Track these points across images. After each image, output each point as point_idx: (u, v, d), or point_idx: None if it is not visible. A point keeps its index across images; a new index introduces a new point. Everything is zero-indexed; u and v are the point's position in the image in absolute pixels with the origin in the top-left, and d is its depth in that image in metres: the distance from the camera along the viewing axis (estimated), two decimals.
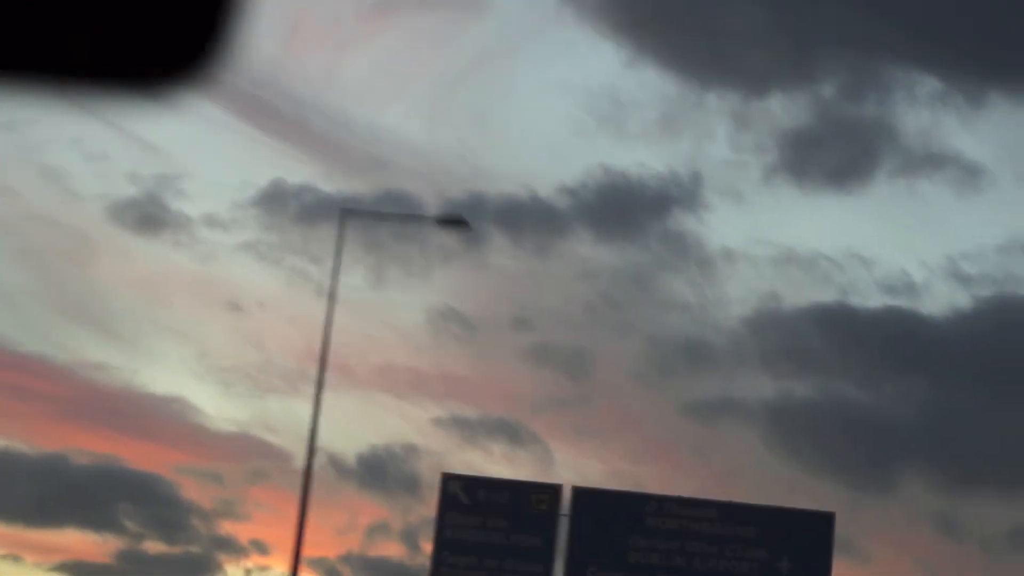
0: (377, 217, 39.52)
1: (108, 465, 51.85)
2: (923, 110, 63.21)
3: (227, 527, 51.55)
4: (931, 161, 56.05)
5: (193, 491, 54.27)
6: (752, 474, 52.57)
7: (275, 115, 58.25)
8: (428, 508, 49.30)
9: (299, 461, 49.17)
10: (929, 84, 62.22)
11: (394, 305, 54.73)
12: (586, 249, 57.15)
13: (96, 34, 2.49)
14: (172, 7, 2.55)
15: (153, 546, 50.48)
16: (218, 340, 58.34)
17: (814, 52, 56.40)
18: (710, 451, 54.94)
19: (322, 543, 54.16)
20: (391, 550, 53.55)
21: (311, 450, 31.27)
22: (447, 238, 48.82)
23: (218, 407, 64.12)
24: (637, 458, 55.95)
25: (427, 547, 47.70)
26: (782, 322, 54.19)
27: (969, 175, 56.00)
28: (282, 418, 56.68)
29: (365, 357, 54.37)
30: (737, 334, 54.10)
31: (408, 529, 50.10)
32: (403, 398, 58.72)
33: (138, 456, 61.44)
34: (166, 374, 59.66)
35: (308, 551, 53.45)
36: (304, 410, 54.64)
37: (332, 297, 32.01)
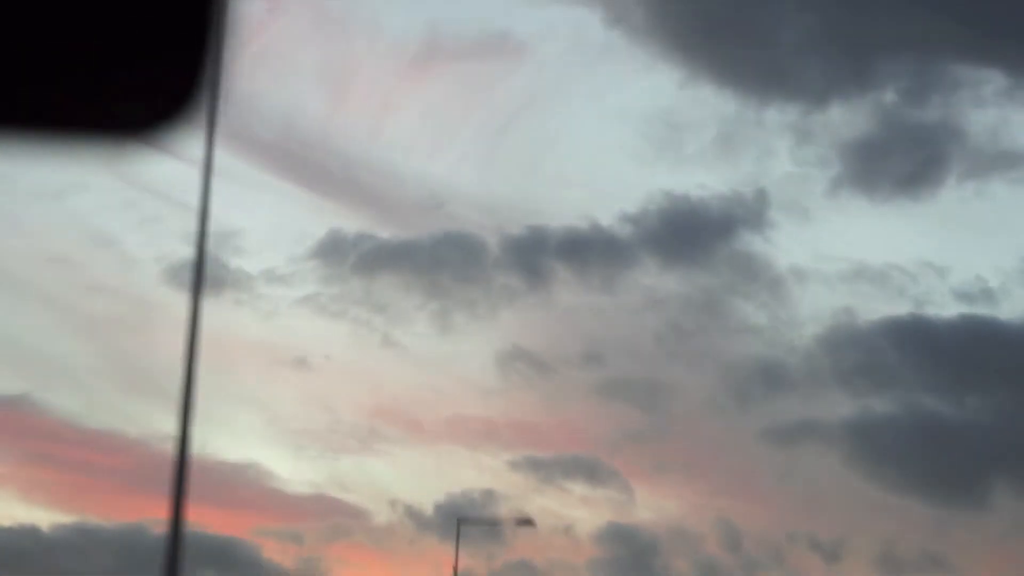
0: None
1: (186, 532, 48.96)
2: (990, 108, 61.99)
3: None
4: (1002, 160, 55.02)
5: (274, 553, 53.43)
6: (837, 497, 51.22)
7: (326, 174, 58.06)
8: (512, 552, 48.30)
9: (377, 517, 52.20)
10: (995, 80, 60.22)
11: (462, 350, 54.87)
12: (652, 278, 55.90)
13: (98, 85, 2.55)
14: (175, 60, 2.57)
15: None
16: (286, 402, 57.96)
17: (873, 57, 55.70)
18: (792, 477, 53.16)
19: None
20: None
21: None
22: (511, 279, 50.11)
23: (292, 470, 64.33)
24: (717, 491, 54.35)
25: None
26: (857, 338, 52.66)
27: None
28: (355, 476, 56.34)
29: (436, 408, 55.97)
30: (812, 354, 52.41)
31: None
32: (477, 446, 57.01)
33: (216, 523, 60.47)
34: (237, 441, 59.22)
35: None
36: (377, 467, 56.27)
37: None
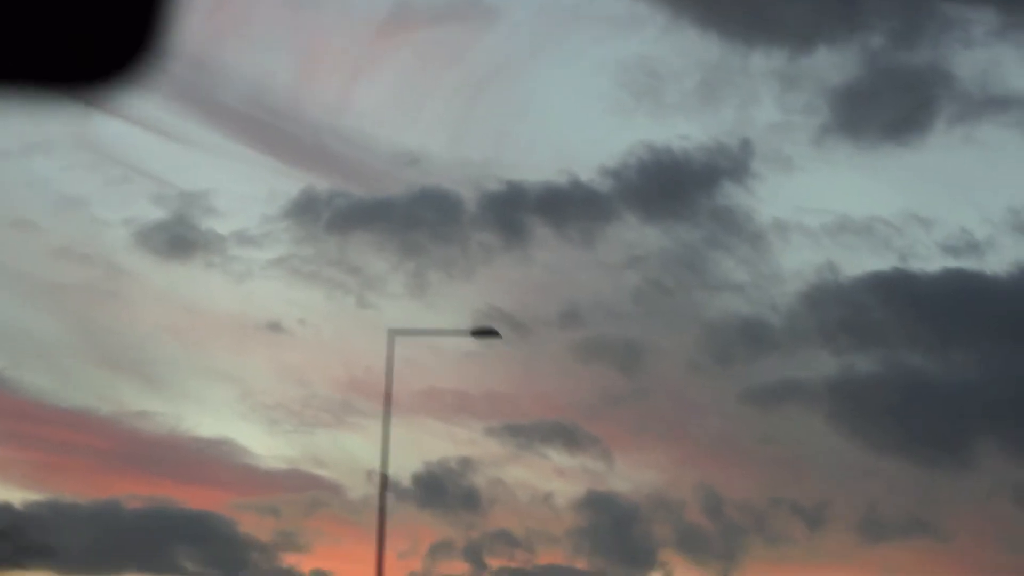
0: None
1: (162, 507, 49.96)
2: (980, 49, 59.40)
3: (288, 559, 49.85)
4: (992, 104, 52.83)
5: (251, 527, 50.97)
6: (820, 460, 49.76)
7: (296, 143, 56.36)
8: (490, 522, 48.94)
9: (351, 492, 50.91)
10: (985, 20, 57.67)
11: (437, 312, 52.45)
12: (633, 233, 54.30)
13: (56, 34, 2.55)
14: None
15: None
16: (260, 374, 56.24)
17: None
18: (774, 439, 51.63)
19: (385, 568, 50.86)
20: (455, 568, 49.41)
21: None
22: (488, 236, 49.70)
23: (266, 445, 62.41)
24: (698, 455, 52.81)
25: (493, 563, 46.37)
26: (840, 294, 51.07)
27: None
28: (330, 451, 54.88)
29: (410, 379, 52.81)
30: (794, 311, 50.86)
31: (471, 545, 47.74)
32: (452, 419, 55.07)
33: (191, 499, 59.31)
34: (211, 416, 57.41)
35: None
36: (352, 441, 54.83)
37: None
